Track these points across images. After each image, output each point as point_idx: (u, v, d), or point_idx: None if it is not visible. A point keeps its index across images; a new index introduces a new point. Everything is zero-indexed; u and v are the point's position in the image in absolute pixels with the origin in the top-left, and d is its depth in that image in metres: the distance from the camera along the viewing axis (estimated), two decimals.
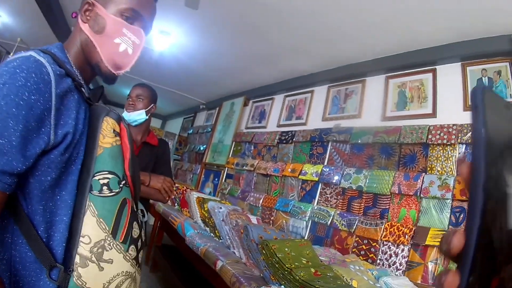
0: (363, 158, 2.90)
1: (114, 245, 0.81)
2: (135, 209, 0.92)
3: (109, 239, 0.80)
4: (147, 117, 2.28)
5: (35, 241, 0.77)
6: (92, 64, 0.96)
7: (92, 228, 0.79)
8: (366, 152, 2.90)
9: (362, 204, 2.73)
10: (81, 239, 0.78)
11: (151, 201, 2.45)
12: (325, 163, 3.29)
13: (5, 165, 0.70)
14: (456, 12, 2.23)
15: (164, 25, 3.67)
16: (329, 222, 2.88)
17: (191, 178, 6.07)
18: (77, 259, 0.77)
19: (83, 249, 0.78)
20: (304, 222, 3.13)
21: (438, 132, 2.41)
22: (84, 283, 0.77)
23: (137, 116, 2.22)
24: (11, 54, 5.59)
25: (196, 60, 4.61)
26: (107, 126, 0.88)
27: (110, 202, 0.83)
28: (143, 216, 0.99)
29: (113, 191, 0.84)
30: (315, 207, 3.11)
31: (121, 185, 0.86)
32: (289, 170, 3.62)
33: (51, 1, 3.82)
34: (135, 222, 0.88)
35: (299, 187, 3.45)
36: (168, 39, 3.92)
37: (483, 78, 2.37)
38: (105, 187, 0.83)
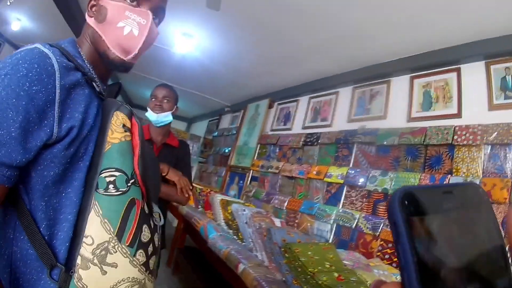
0: (388, 160, 2.92)
1: (119, 249, 0.76)
2: (148, 212, 0.87)
3: (113, 241, 0.76)
4: (173, 119, 2.35)
5: (36, 238, 0.76)
6: (101, 55, 0.93)
7: (95, 229, 0.75)
8: (391, 153, 2.91)
9: (387, 207, 2.71)
10: (83, 239, 0.75)
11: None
12: (351, 165, 3.31)
13: (4, 157, 0.69)
14: (479, 10, 2.23)
15: (187, 27, 3.79)
16: (354, 225, 2.89)
17: (216, 180, 6.20)
18: (78, 260, 0.75)
19: (85, 250, 0.75)
20: (329, 225, 3.15)
21: (464, 132, 2.40)
22: (85, 286, 0.75)
23: (164, 117, 2.28)
24: None
25: (220, 63, 4.71)
26: (117, 120, 0.84)
27: (116, 202, 0.78)
28: (160, 219, 0.95)
29: (120, 190, 0.79)
30: (340, 210, 3.14)
31: (129, 184, 0.81)
32: (314, 172, 3.66)
33: (72, 5, 3.98)
34: (145, 225, 0.83)
35: (324, 190, 3.48)
36: (191, 41, 4.04)
37: (506, 76, 2.35)
38: (111, 185, 0.78)
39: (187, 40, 4.02)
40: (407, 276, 0.32)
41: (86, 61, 0.92)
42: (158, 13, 0.99)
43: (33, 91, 0.71)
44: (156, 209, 0.94)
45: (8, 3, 4.35)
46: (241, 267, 2.32)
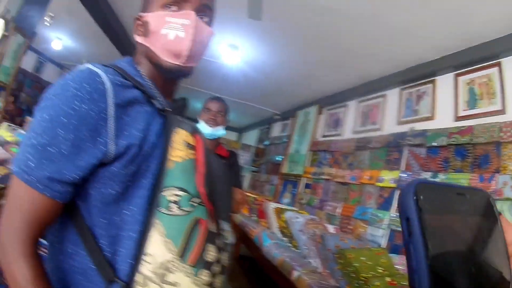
0: (438, 162, 2.96)
1: (181, 268, 0.76)
2: (215, 230, 0.85)
3: (175, 260, 0.75)
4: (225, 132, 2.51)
5: (96, 254, 0.78)
6: (157, 67, 0.94)
7: (157, 248, 0.75)
8: (441, 155, 2.95)
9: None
10: (144, 257, 0.75)
11: None
12: (402, 169, 3.37)
13: (54, 173, 0.72)
14: None
15: (232, 39, 4.09)
16: None
17: (269, 189, 6.41)
18: (138, 277, 0.75)
19: (145, 268, 0.75)
20: (382, 230, 3.22)
21: (509, 129, 2.41)
22: None
23: (218, 131, 2.43)
24: None
25: (266, 71, 4.95)
26: (179, 138, 0.84)
27: (179, 221, 0.78)
28: (229, 238, 0.93)
29: (183, 209, 0.78)
30: (393, 214, 3.20)
31: (193, 203, 0.79)
32: (366, 177, 3.75)
33: (112, 22, 4.34)
34: (211, 245, 0.81)
35: (377, 194, 3.56)
36: (237, 52, 4.34)
37: None
38: (173, 205, 0.78)
39: (233, 51, 4.31)
40: (418, 279, 0.32)
41: (146, 79, 0.94)
42: (204, 11, 0.96)
43: (83, 110, 0.73)
44: (226, 226, 0.92)
45: (48, 24, 4.66)
46: (295, 274, 2.44)
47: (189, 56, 0.91)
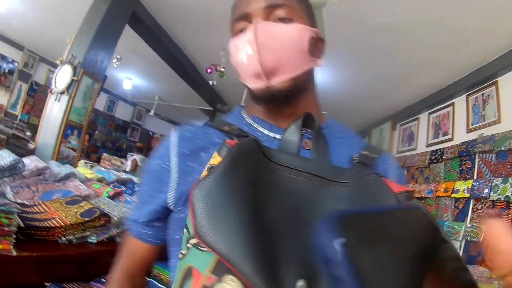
0: (507, 166, 2.87)
1: None
2: None
3: None
4: None
5: None
6: (255, 99, 0.83)
7: None
8: (510, 158, 2.87)
9: (510, 215, 2.70)
10: None
11: None
12: (475, 177, 3.30)
13: (134, 216, 0.83)
14: None
15: None
16: (481, 240, 2.88)
17: None
18: None
19: None
20: (458, 243, 3.14)
21: None
22: None
23: None
24: (152, 111, 6.82)
25: (337, 94, 5.16)
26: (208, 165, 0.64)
27: (177, 268, 0.59)
28: None
29: (181, 252, 0.59)
30: (468, 225, 3.13)
31: (188, 245, 0.58)
32: (442, 190, 3.71)
33: (179, 59, 4.69)
34: None
35: (452, 206, 3.50)
36: None
37: None
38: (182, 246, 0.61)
39: None
40: None
41: (250, 117, 0.85)
42: (277, 8, 0.78)
43: (152, 165, 0.81)
44: None
45: (115, 66, 5.17)
46: None
47: (268, 71, 0.75)
